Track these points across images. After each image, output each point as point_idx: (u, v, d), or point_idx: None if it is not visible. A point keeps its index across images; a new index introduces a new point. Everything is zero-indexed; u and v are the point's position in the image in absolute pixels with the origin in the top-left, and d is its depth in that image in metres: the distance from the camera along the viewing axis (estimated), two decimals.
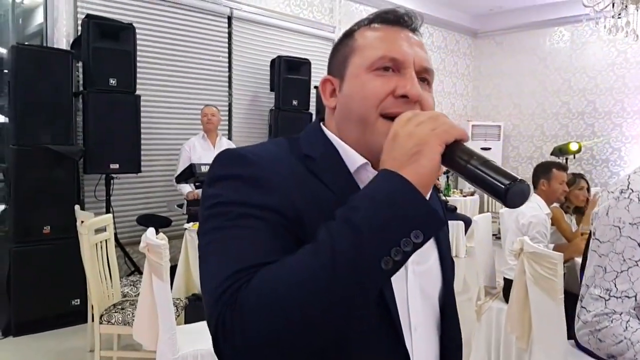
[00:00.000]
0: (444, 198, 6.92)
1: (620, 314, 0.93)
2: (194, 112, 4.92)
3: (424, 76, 0.77)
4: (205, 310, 0.63)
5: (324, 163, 0.74)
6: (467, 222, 6.11)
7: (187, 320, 2.95)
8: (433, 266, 0.81)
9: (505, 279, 3.17)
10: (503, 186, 0.58)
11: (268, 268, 0.59)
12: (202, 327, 2.56)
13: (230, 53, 5.31)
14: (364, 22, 0.81)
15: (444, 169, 0.65)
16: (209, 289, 0.62)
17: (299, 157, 0.75)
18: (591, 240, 1.03)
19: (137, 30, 4.10)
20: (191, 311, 3.13)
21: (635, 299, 0.95)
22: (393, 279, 0.67)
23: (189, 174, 3.58)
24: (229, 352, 0.58)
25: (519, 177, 0.59)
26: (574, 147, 6.64)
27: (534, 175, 3.29)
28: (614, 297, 0.94)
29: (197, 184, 3.73)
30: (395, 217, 0.57)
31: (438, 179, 6.94)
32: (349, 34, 0.81)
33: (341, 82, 0.79)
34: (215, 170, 0.72)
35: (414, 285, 0.76)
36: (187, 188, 4.15)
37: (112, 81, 3.88)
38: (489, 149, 8.09)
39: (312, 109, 5.51)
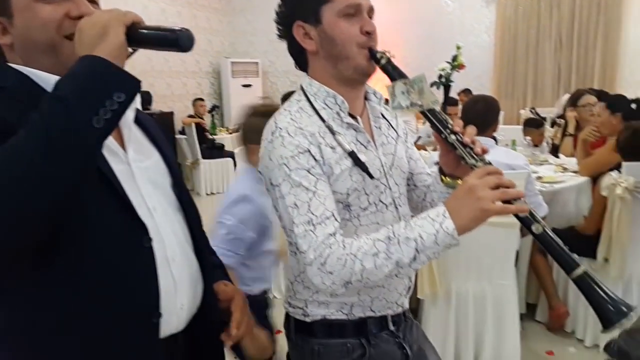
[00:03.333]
0: (210, 137, 6.89)
1: (334, 235, 0.92)
2: None
3: None
4: None
5: (17, 90, 0.79)
6: (235, 158, 6.26)
7: None
8: (157, 163, 0.94)
9: None
10: (174, 35, 0.75)
11: None
12: None
13: None
14: None
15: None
16: None
17: None
18: (270, 194, 1.02)
19: None
20: None
21: (335, 219, 0.94)
22: (121, 174, 0.82)
23: None
24: None
25: (180, 28, 0.75)
26: None
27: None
28: (318, 223, 0.92)
29: None
30: (96, 82, 0.68)
31: (203, 119, 6.85)
32: None
33: (9, 18, 0.81)
34: None
35: (142, 177, 0.87)
36: None
37: None
38: (250, 85, 8.28)
39: None
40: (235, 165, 6.35)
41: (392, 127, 1.16)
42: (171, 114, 6.89)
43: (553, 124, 4.50)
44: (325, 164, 0.99)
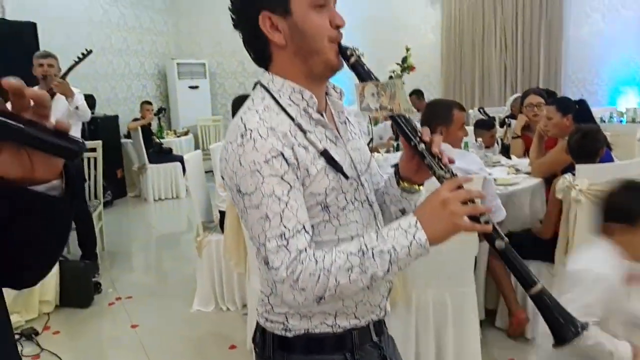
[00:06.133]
0: (157, 141, 6.61)
1: (305, 251, 0.88)
2: None
3: None
4: None
5: None
6: (184, 163, 6.03)
7: None
8: None
9: (220, 211, 3.21)
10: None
11: None
12: None
13: None
14: None
15: None
16: None
17: None
18: (236, 201, 0.93)
19: None
20: None
21: (306, 231, 0.90)
22: None
23: None
24: None
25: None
26: None
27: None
28: (291, 237, 0.87)
29: None
30: None
31: (150, 123, 6.54)
32: None
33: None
34: None
35: None
36: None
37: None
38: (197, 87, 8.01)
39: None
40: (184, 170, 6.12)
41: (351, 122, 1.11)
42: (116, 117, 6.54)
43: (502, 123, 4.54)
44: (300, 167, 0.92)
